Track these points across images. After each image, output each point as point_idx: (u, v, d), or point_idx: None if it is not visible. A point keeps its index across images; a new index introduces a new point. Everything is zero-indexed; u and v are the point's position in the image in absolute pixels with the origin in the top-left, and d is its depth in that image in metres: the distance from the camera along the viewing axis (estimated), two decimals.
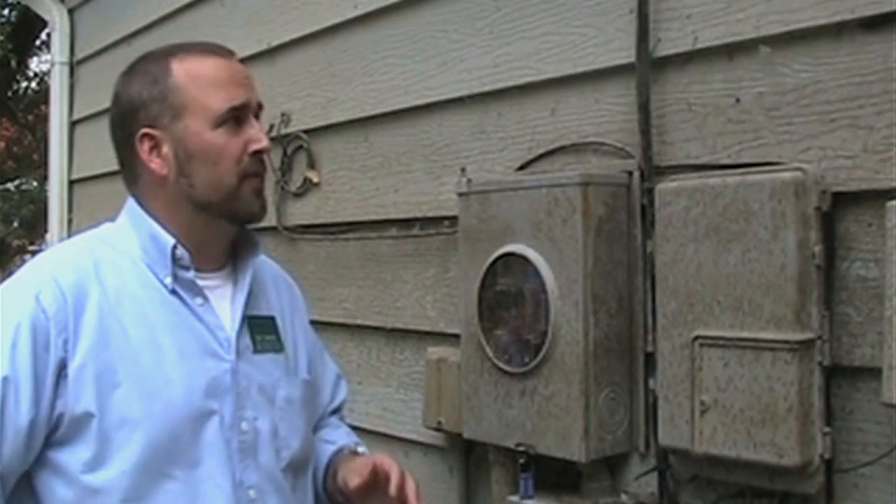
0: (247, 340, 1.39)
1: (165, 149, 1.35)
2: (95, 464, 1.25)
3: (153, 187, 1.38)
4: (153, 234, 1.36)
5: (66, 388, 1.25)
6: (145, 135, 1.36)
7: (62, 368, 1.25)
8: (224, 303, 1.40)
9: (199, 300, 1.36)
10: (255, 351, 1.40)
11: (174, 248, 1.34)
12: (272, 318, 1.47)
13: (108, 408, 1.25)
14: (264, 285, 1.50)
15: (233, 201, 1.36)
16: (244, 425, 1.35)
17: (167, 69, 1.36)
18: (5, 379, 1.21)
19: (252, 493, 1.35)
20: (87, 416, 1.24)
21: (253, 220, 1.40)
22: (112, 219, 1.44)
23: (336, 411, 1.68)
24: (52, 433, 1.25)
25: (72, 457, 1.25)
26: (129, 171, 1.41)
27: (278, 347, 1.45)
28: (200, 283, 1.37)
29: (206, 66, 1.37)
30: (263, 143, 1.37)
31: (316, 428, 1.59)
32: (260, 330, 1.43)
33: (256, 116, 1.40)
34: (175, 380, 1.30)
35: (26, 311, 1.25)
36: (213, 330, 1.36)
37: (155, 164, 1.36)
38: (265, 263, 1.55)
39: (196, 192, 1.35)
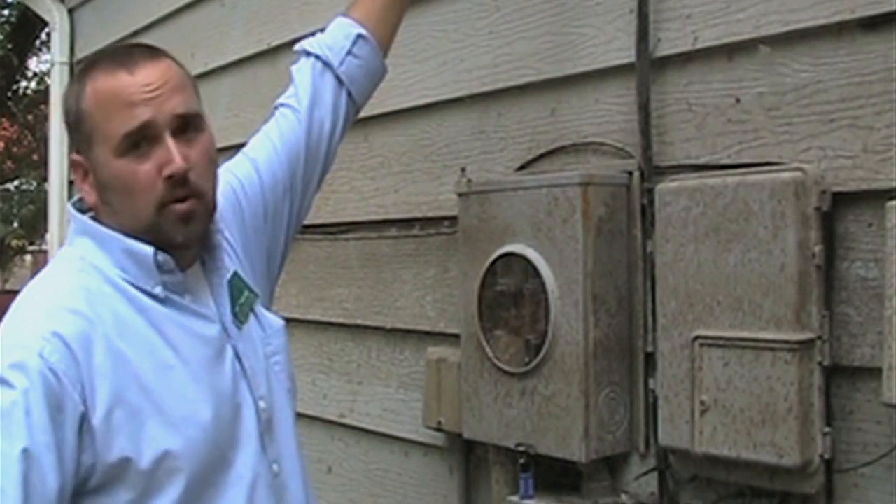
0: (233, 318, 1.37)
1: (91, 176, 1.28)
2: (140, 503, 1.21)
3: (95, 210, 1.31)
4: (128, 249, 1.28)
5: (92, 440, 1.17)
6: (74, 161, 1.31)
7: (83, 423, 1.17)
8: (203, 287, 1.36)
9: (188, 298, 1.32)
10: (241, 324, 1.37)
11: (156, 255, 1.27)
12: (235, 274, 1.41)
13: (143, 448, 1.20)
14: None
15: (155, 231, 1.26)
16: (262, 404, 1.35)
17: (83, 91, 1.27)
18: (25, 451, 1.11)
19: (275, 467, 1.36)
20: (124, 461, 1.19)
21: (183, 247, 1.30)
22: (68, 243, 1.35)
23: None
24: (83, 483, 1.18)
25: (112, 501, 1.20)
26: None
27: (253, 298, 1.41)
28: (185, 278, 1.33)
29: (109, 86, 1.25)
30: (174, 165, 1.23)
31: (315, 107, 1.57)
32: (237, 297, 1.39)
33: (185, 127, 1.27)
34: (198, 397, 1.27)
35: (34, 373, 1.14)
36: (209, 324, 1.33)
37: (85, 191, 1.30)
38: None
39: (121, 220, 1.28)
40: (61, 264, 1.32)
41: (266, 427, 1.35)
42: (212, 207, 1.33)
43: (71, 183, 3.92)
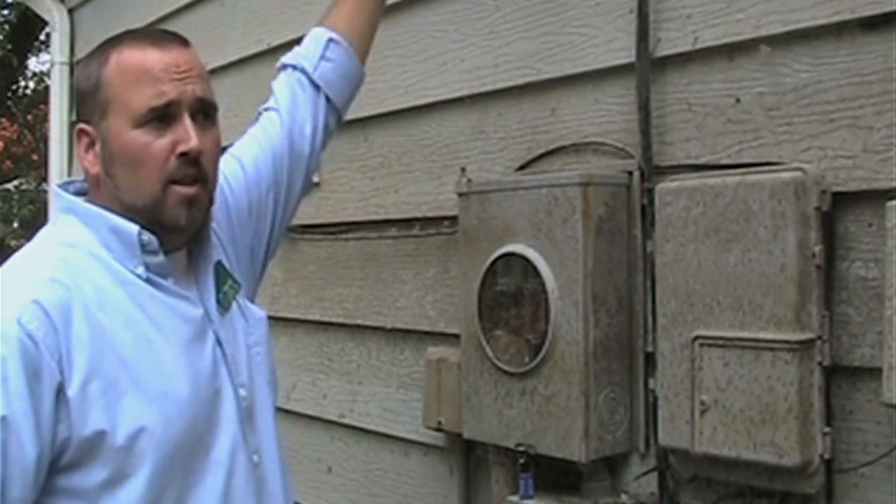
0: (217, 306, 1.36)
1: (97, 146, 1.29)
2: (115, 482, 1.19)
3: (93, 184, 1.32)
4: (113, 227, 1.27)
5: (67, 411, 1.16)
6: (81, 130, 1.31)
7: (59, 392, 1.16)
8: (188, 273, 1.36)
9: (170, 280, 1.31)
10: (224, 311, 1.37)
11: (140, 234, 1.27)
12: (219, 263, 1.41)
13: (119, 422, 1.19)
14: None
15: (157, 209, 1.27)
16: (242, 391, 1.34)
17: (105, 61, 1.28)
18: (3, 419, 1.12)
19: (255, 457, 1.34)
20: (99, 434, 1.17)
21: (181, 230, 1.30)
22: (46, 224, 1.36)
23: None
24: (58, 458, 1.18)
25: (87, 478, 1.19)
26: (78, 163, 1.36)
27: (237, 287, 1.41)
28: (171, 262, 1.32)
29: (137, 59, 1.27)
30: (192, 143, 1.25)
31: (296, 111, 1.59)
32: (222, 284, 1.38)
33: (202, 114, 1.29)
34: (177, 375, 1.26)
35: (12, 340, 1.14)
36: (192, 307, 1.32)
37: (87, 161, 1.31)
38: None
39: (121, 194, 1.28)
40: (42, 240, 1.32)
41: (246, 415, 1.34)
42: (212, 199, 1.34)
43: None
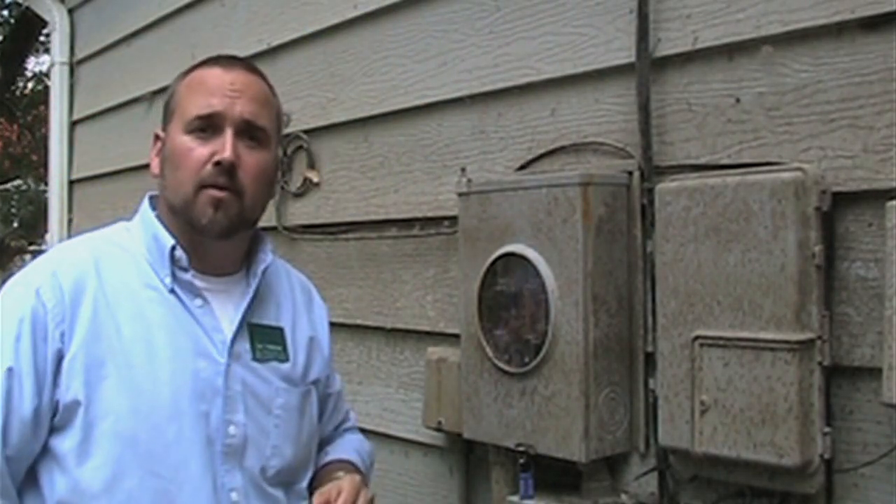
0: (245, 345, 1.40)
1: (163, 151, 1.41)
2: (80, 452, 1.28)
3: (158, 186, 1.44)
4: (156, 235, 1.39)
5: (61, 376, 1.29)
6: (155, 135, 1.45)
7: (59, 359, 1.29)
8: (228, 307, 1.41)
9: (198, 301, 1.38)
10: (255, 358, 1.40)
11: (173, 248, 1.37)
12: (280, 329, 1.46)
13: (94, 399, 1.28)
14: (278, 294, 1.49)
15: (189, 209, 1.36)
16: (232, 429, 1.35)
17: (185, 76, 1.43)
18: (10, 370, 1.26)
19: (234, 495, 1.35)
20: (75, 403, 1.28)
21: (205, 231, 1.37)
22: (128, 217, 1.47)
23: (338, 427, 1.68)
24: (52, 418, 1.29)
25: (63, 443, 1.29)
26: None
27: (283, 357, 1.44)
28: (206, 285, 1.39)
29: (202, 75, 1.41)
30: (224, 154, 1.34)
31: (323, 441, 1.60)
32: (263, 338, 1.43)
33: (248, 135, 1.37)
34: (163, 378, 1.32)
35: (28, 305, 1.30)
36: (209, 332, 1.37)
37: (153, 163, 1.44)
38: (288, 273, 1.56)
39: (167, 193, 1.39)
40: (96, 233, 1.45)
41: (232, 452, 1.35)
42: (249, 214, 1.39)
43: (72, 183, 3.93)
